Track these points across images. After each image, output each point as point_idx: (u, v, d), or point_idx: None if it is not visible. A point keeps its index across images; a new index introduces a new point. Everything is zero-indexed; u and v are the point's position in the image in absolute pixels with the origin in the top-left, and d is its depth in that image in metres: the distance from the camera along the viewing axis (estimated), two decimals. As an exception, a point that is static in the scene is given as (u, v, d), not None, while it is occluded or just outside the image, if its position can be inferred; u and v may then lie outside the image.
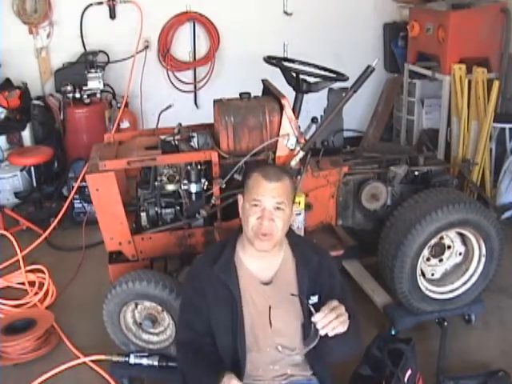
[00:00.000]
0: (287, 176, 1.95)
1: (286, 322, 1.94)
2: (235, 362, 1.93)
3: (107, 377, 2.68)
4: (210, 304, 1.93)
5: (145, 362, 2.59)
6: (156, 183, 2.66)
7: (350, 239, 3.24)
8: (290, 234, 2.07)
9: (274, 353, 1.94)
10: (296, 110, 2.77)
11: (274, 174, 1.92)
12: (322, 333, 1.72)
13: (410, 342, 2.54)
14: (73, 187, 3.96)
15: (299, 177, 2.65)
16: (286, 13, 5.29)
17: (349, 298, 2.02)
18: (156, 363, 2.57)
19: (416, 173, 2.95)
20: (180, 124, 2.83)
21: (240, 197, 2.00)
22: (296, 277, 1.97)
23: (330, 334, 1.71)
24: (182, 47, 5.23)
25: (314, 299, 1.94)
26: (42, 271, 3.49)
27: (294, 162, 2.59)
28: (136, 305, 2.63)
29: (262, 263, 1.98)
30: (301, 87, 2.76)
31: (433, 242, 2.75)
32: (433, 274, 2.89)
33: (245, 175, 2.53)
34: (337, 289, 2.01)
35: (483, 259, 2.84)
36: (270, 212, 1.88)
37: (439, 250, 2.86)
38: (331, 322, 1.71)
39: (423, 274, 2.85)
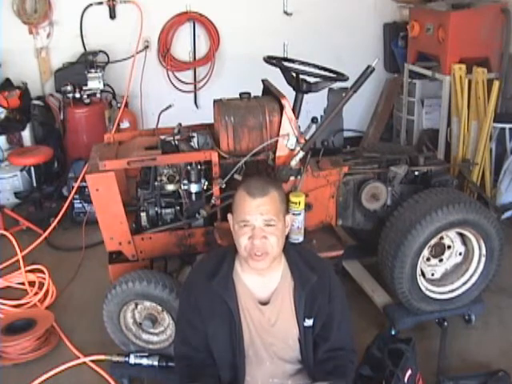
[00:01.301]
0: (273, 188, 1.85)
1: (282, 339, 1.95)
2: (234, 374, 1.93)
3: (107, 377, 2.68)
4: (206, 318, 1.92)
5: (145, 361, 2.59)
6: (156, 183, 2.65)
7: (349, 239, 3.25)
8: (288, 249, 2.00)
9: (273, 366, 1.94)
10: (296, 109, 2.77)
11: (257, 188, 1.82)
12: None
13: (410, 342, 2.54)
14: (73, 187, 3.96)
15: (299, 177, 2.65)
16: (286, 13, 5.29)
17: (347, 320, 2.03)
18: (156, 363, 2.57)
19: (416, 173, 2.94)
20: (180, 124, 2.83)
21: (230, 216, 1.94)
22: (293, 299, 1.93)
23: None
24: (181, 47, 5.23)
25: (309, 322, 1.93)
26: (41, 271, 3.49)
27: (294, 162, 2.59)
28: (136, 305, 2.63)
29: (261, 280, 1.95)
30: (301, 87, 2.75)
31: (433, 242, 2.75)
32: (433, 274, 2.89)
33: (245, 176, 2.53)
34: (336, 313, 1.98)
35: (483, 259, 2.83)
36: (261, 229, 1.80)
37: (439, 250, 2.86)
38: None
39: (423, 274, 2.85)
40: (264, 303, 1.94)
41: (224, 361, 1.93)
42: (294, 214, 2.58)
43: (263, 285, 1.95)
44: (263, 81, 2.95)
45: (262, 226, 1.81)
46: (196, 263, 2.45)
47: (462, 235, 2.84)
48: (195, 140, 2.82)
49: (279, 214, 1.84)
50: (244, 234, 1.82)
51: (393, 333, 2.76)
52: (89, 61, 4.75)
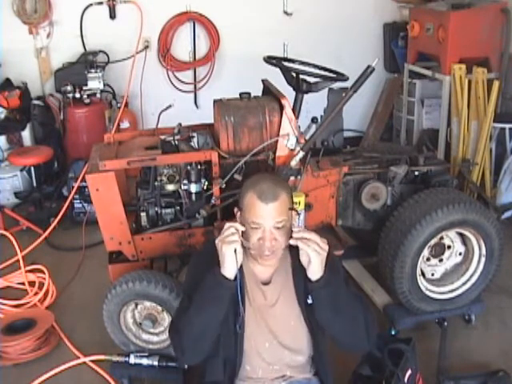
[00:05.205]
0: (283, 190, 1.85)
1: (282, 320, 1.95)
2: (234, 360, 1.93)
3: (107, 377, 2.68)
4: None
5: (145, 361, 2.59)
6: (156, 183, 2.66)
7: (350, 239, 3.25)
8: None
9: (272, 351, 1.94)
10: (296, 109, 2.77)
11: (269, 193, 1.81)
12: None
13: (410, 342, 2.54)
14: (73, 187, 3.96)
15: (299, 177, 2.65)
16: (286, 13, 5.29)
17: (353, 289, 2.02)
18: (156, 363, 2.58)
19: (416, 173, 2.95)
20: (180, 124, 2.83)
21: (236, 210, 1.94)
22: (293, 277, 1.95)
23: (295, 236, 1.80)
24: (181, 47, 5.23)
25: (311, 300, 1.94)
26: (42, 271, 3.49)
27: (293, 162, 2.59)
28: (136, 305, 2.63)
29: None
30: (301, 87, 2.75)
31: (433, 242, 2.75)
32: (433, 274, 2.89)
33: (245, 176, 2.53)
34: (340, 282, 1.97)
35: (483, 259, 2.83)
36: (271, 232, 1.81)
37: (439, 250, 2.86)
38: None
39: (423, 274, 2.85)
40: (266, 283, 1.96)
41: (226, 342, 1.93)
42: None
43: (265, 266, 1.95)
44: (263, 81, 2.95)
45: (273, 228, 1.82)
46: (203, 245, 2.44)
47: (462, 235, 2.84)
48: (195, 140, 2.82)
49: (288, 214, 1.86)
50: (254, 235, 1.83)
51: (393, 333, 2.76)
52: (89, 61, 4.75)
